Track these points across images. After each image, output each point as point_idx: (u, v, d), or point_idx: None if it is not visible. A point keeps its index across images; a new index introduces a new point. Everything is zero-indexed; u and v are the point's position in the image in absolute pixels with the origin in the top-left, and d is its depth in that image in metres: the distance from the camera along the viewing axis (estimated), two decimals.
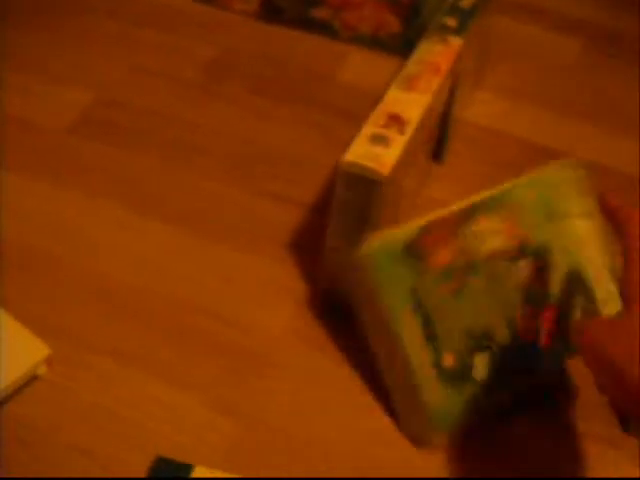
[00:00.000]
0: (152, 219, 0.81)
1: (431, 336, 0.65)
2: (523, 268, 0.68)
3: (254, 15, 1.07)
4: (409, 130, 0.70)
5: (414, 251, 0.66)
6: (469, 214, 0.67)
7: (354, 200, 0.68)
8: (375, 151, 0.68)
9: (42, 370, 0.67)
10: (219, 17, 1.07)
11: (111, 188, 0.84)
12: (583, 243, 0.69)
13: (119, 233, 0.80)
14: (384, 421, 0.68)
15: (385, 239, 0.66)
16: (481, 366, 0.67)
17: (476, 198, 0.68)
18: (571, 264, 0.68)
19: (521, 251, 0.68)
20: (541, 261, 0.68)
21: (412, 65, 0.76)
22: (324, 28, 1.05)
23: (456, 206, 0.68)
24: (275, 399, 0.68)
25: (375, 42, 1.04)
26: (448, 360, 0.66)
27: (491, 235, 0.67)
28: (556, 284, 0.68)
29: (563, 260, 0.68)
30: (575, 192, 0.69)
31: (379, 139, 0.69)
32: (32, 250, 0.77)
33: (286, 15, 1.05)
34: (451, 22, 0.83)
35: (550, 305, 0.68)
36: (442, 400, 0.65)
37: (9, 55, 0.97)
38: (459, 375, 0.66)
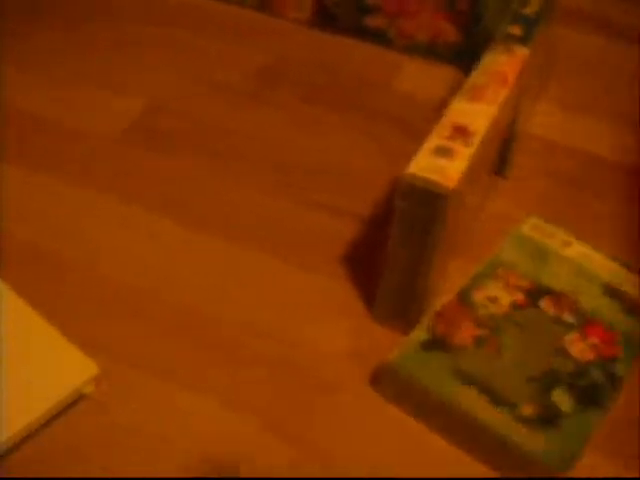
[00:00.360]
0: (198, 231, 0.79)
1: (495, 399, 0.65)
2: (547, 306, 0.72)
3: (307, 23, 1.04)
4: (475, 142, 0.67)
5: (435, 343, 0.68)
6: (466, 293, 0.72)
7: (417, 214, 0.65)
8: (439, 163, 0.65)
9: (90, 389, 0.64)
10: (272, 24, 1.04)
11: (162, 201, 0.82)
12: (584, 263, 0.76)
13: (164, 246, 0.78)
14: (443, 444, 0.65)
15: (402, 348, 0.67)
16: (563, 399, 0.66)
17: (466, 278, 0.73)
18: (592, 282, 0.74)
19: (534, 295, 0.72)
20: (558, 294, 0.73)
21: (478, 75, 0.73)
22: (378, 36, 1.02)
23: (451, 292, 0.72)
24: (326, 421, 0.66)
25: (430, 51, 1.01)
26: (527, 410, 0.65)
27: (495, 297, 0.72)
28: (587, 303, 0.72)
29: (581, 284, 0.74)
30: (546, 234, 0.78)
31: (443, 151, 0.66)
32: (62, 258, 0.75)
33: (340, 23, 1.03)
34: (516, 30, 0.80)
35: (590, 321, 0.71)
36: (545, 443, 0.63)
37: (53, 61, 0.96)
38: (549, 417, 0.64)
